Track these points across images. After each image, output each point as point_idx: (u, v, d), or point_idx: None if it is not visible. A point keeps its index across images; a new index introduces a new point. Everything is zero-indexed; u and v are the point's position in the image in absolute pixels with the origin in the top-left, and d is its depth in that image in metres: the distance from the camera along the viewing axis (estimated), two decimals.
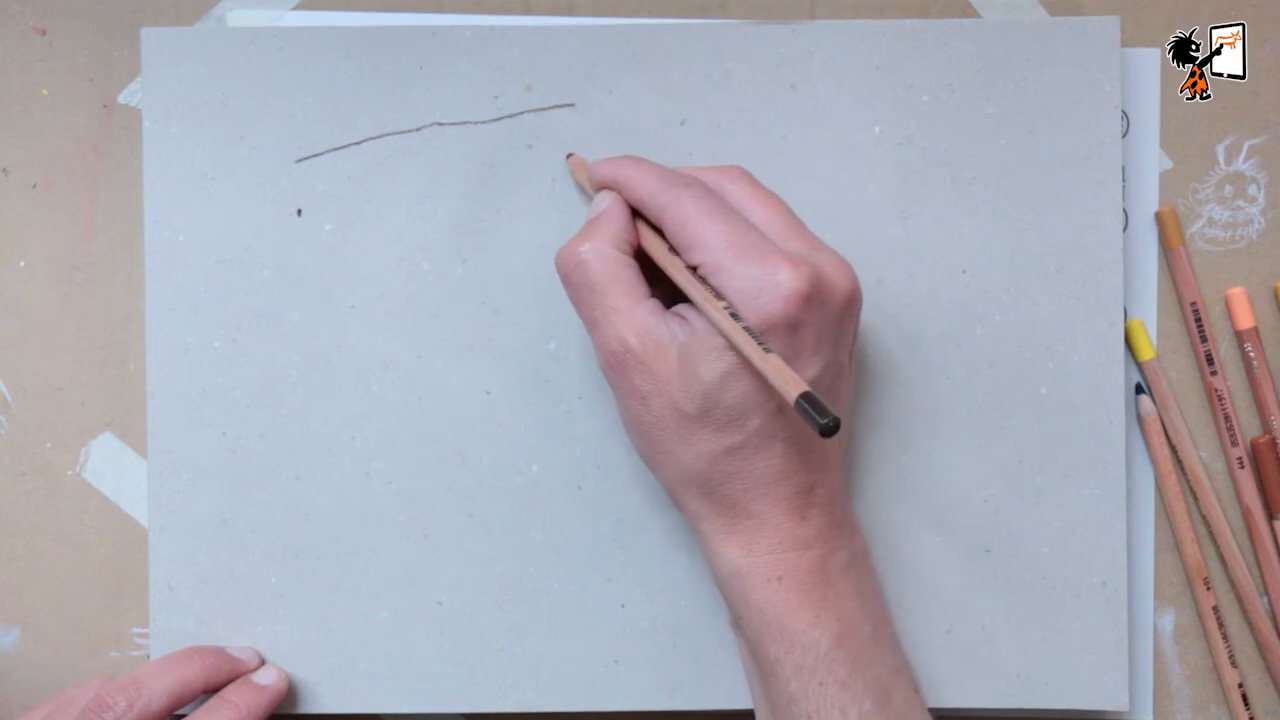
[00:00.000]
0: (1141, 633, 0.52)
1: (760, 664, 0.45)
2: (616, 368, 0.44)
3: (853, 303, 0.44)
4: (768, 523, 0.44)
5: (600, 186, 0.47)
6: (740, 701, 0.50)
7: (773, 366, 0.41)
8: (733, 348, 0.42)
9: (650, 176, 0.45)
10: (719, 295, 0.42)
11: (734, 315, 0.42)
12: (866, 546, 0.48)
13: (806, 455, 0.44)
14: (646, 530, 0.50)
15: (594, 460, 0.50)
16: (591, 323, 0.45)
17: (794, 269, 0.42)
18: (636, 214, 0.46)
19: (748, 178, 0.46)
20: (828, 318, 0.43)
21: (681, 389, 0.43)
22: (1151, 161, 0.52)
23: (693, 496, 0.45)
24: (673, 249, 0.45)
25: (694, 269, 0.44)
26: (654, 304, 0.45)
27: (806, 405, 0.39)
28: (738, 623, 0.46)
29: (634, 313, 0.44)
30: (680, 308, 0.45)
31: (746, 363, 0.42)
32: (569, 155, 0.50)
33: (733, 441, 0.43)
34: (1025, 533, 0.50)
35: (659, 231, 0.45)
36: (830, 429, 0.39)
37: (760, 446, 0.43)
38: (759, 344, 0.41)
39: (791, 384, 0.40)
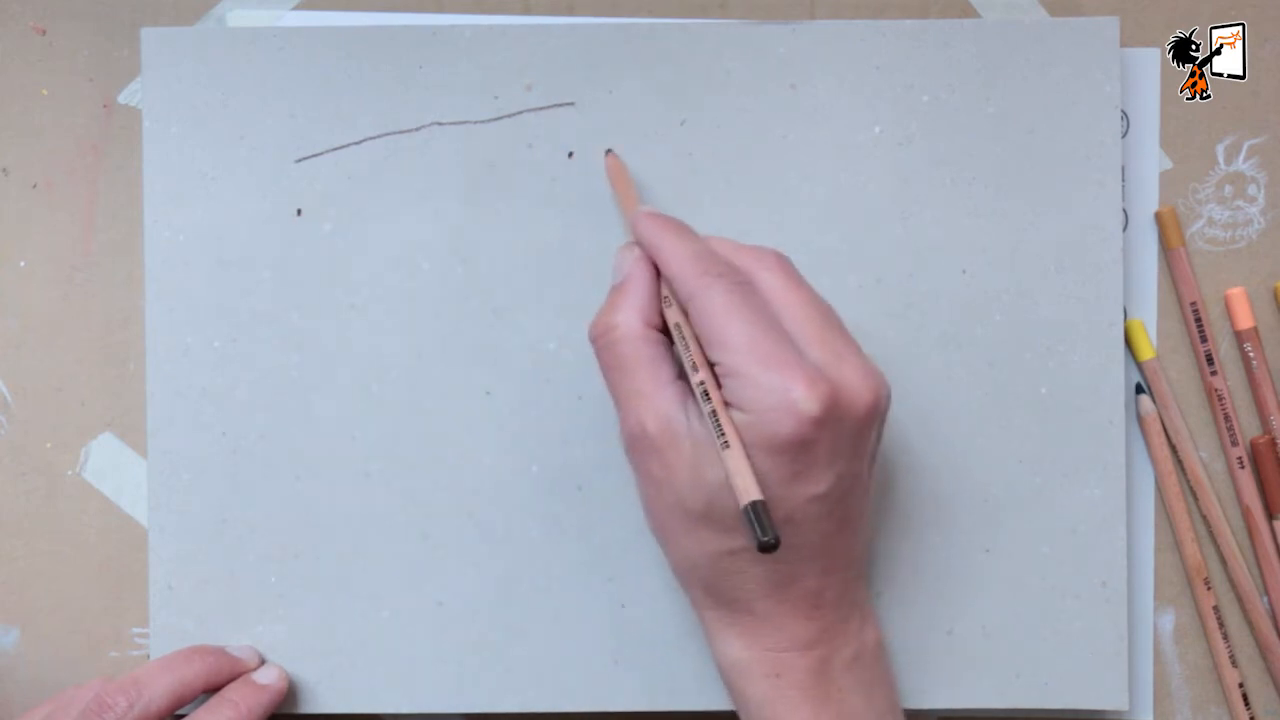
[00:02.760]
0: (1141, 633, 0.52)
1: None
2: (634, 450, 0.44)
3: (873, 415, 0.42)
4: (770, 622, 0.43)
5: (637, 242, 0.46)
6: None
7: (734, 467, 0.40)
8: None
9: (685, 259, 0.43)
10: (727, 403, 0.41)
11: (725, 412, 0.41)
12: (880, 638, 0.47)
13: (816, 561, 0.43)
14: (646, 531, 0.50)
15: (594, 460, 0.50)
16: (616, 401, 0.44)
17: (810, 388, 0.40)
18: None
19: (783, 266, 0.44)
20: (844, 433, 0.42)
21: (689, 485, 0.42)
22: (1151, 161, 0.52)
23: (695, 586, 0.45)
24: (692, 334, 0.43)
25: (711, 366, 0.42)
26: (679, 389, 0.43)
27: (752, 515, 0.39)
28: (736, 707, 0.45)
29: (656, 398, 0.43)
30: None
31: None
32: (608, 152, 0.49)
33: (736, 545, 0.42)
34: (1025, 533, 0.50)
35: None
36: (768, 547, 0.39)
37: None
38: (721, 438, 0.41)
39: (745, 491, 0.40)
